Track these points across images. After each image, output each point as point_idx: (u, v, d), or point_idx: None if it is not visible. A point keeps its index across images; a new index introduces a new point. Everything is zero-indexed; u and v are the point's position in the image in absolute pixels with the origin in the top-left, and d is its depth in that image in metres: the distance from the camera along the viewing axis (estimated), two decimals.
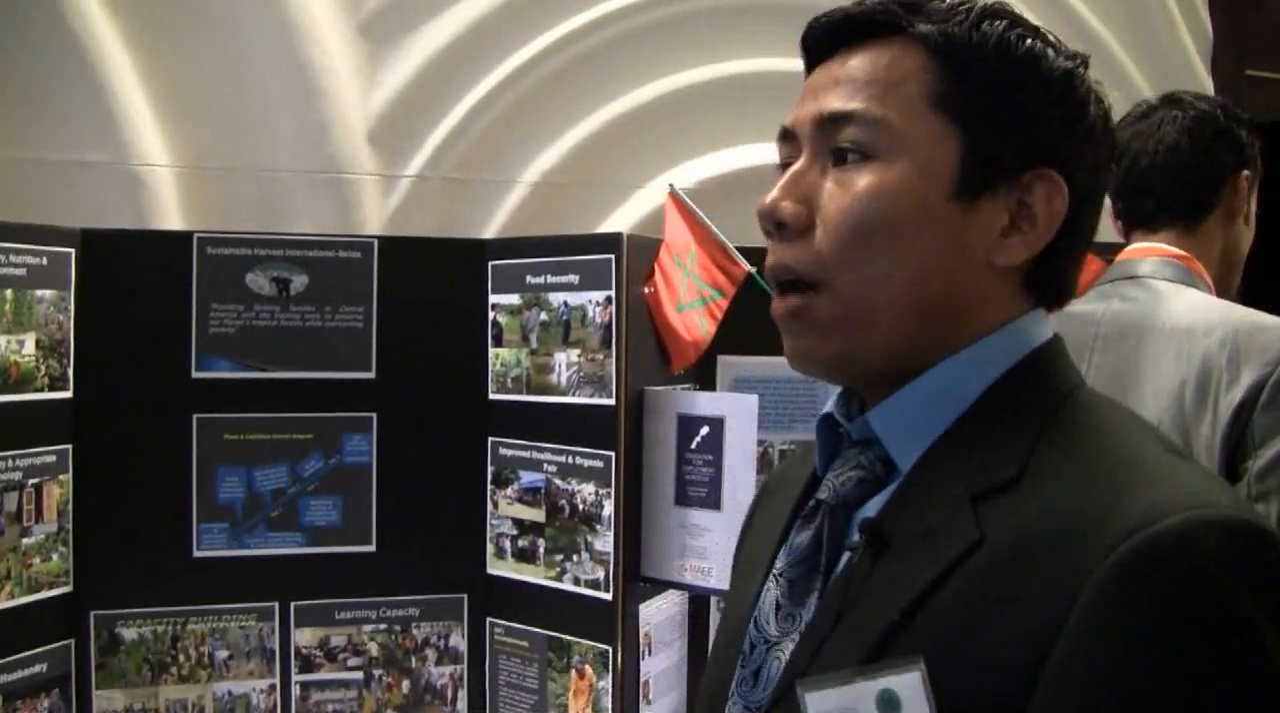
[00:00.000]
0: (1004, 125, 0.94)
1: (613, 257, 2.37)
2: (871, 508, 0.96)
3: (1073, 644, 0.78)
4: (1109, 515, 0.80)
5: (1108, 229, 2.11)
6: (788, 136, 1.01)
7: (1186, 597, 0.77)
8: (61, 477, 2.29)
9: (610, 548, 2.37)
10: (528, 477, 2.49)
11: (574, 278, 2.42)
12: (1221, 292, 1.98)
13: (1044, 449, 0.89)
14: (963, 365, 0.95)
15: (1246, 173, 2.02)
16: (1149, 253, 1.98)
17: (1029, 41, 0.96)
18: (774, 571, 1.02)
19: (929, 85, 0.94)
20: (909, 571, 0.88)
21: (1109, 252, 2.07)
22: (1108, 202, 2.06)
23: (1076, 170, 0.96)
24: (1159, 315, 1.88)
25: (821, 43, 1.01)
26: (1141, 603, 0.77)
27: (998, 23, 0.96)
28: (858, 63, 0.97)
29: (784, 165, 1.01)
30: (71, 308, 2.30)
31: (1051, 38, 0.99)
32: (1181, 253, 1.96)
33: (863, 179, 0.93)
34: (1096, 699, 0.77)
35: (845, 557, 0.95)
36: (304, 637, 2.46)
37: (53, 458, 2.28)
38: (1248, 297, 2.06)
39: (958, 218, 0.94)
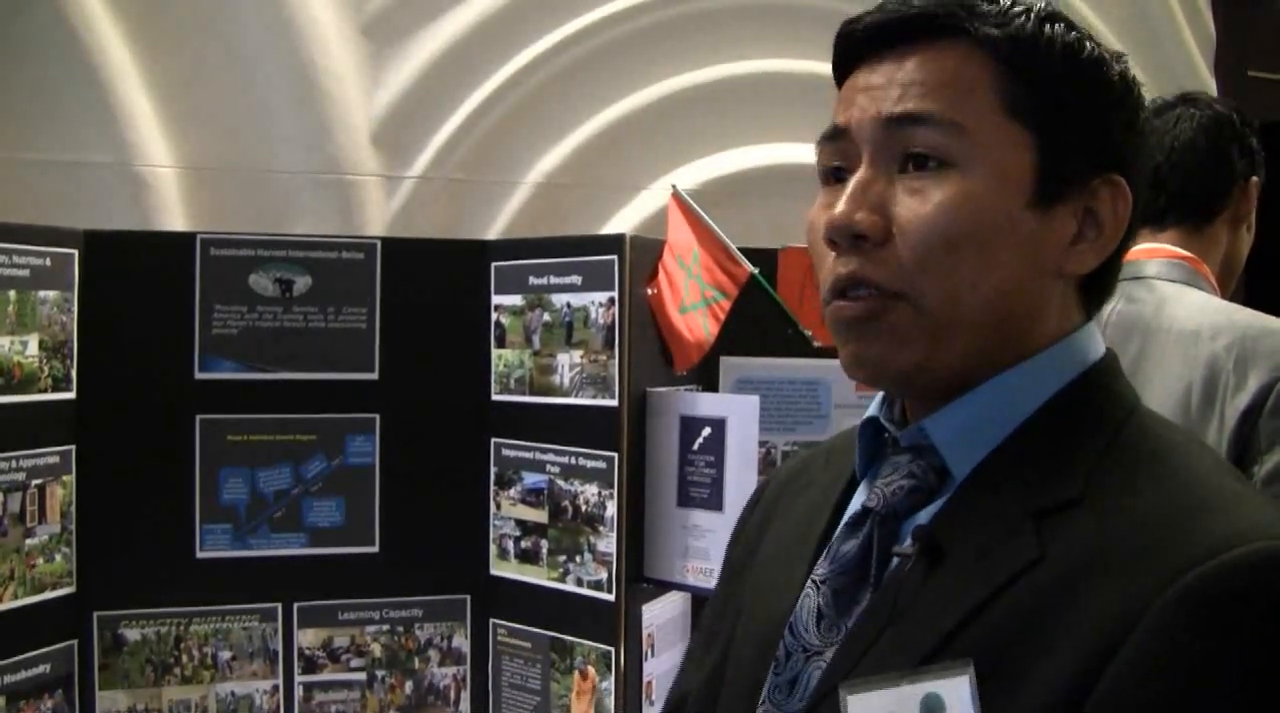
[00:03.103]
0: (1076, 131, 0.93)
1: (615, 258, 2.36)
2: (924, 517, 0.94)
3: (1126, 672, 0.76)
4: (1175, 542, 0.79)
5: None
6: (838, 137, 0.96)
7: (1253, 631, 0.75)
8: (65, 478, 2.29)
9: (613, 549, 2.36)
10: (530, 478, 2.48)
11: (577, 279, 2.41)
12: (1220, 296, 1.98)
13: (1107, 470, 0.87)
14: (1025, 378, 0.93)
15: (1256, 179, 2.02)
16: (1155, 254, 1.97)
17: (1089, 45, 0.94)
18: (814, 577, 0.98)
19: (1000, 91, 0.91)
20: (964, 584, 0.86)
21: None
22: None
23: (1134, 173, 0.96)
24: (1165, 317, 1.87)
25: (865, 43, 0.97)
26: (1205, 634, 0.75)
27: (1058, 26, 0.94)
28: (918, 65, 0.93)
29: (829, 172, 0.97)
30: (75, 309, 2.30)
31: (1098, 39, 0.97)
32: (1188, 255, 1.95)
33: (943, 189, 0.90)
34: None
35: (894, 564, 0.93)
36: (307, 638, 2.46)
37: (56, 459, 2.28)
38: (1252, 299, 2.06)
39: (1036, 227, 0.92)
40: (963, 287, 0.90)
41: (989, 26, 0.92)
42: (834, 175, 0.97)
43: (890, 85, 0.93)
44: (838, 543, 0.98)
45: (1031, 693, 0.79)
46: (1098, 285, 0.98)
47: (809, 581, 0.99)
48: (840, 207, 0.92)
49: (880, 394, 1.03)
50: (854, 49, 0.98)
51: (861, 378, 0.97)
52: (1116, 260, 0.98)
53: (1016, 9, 0.93)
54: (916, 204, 0.90)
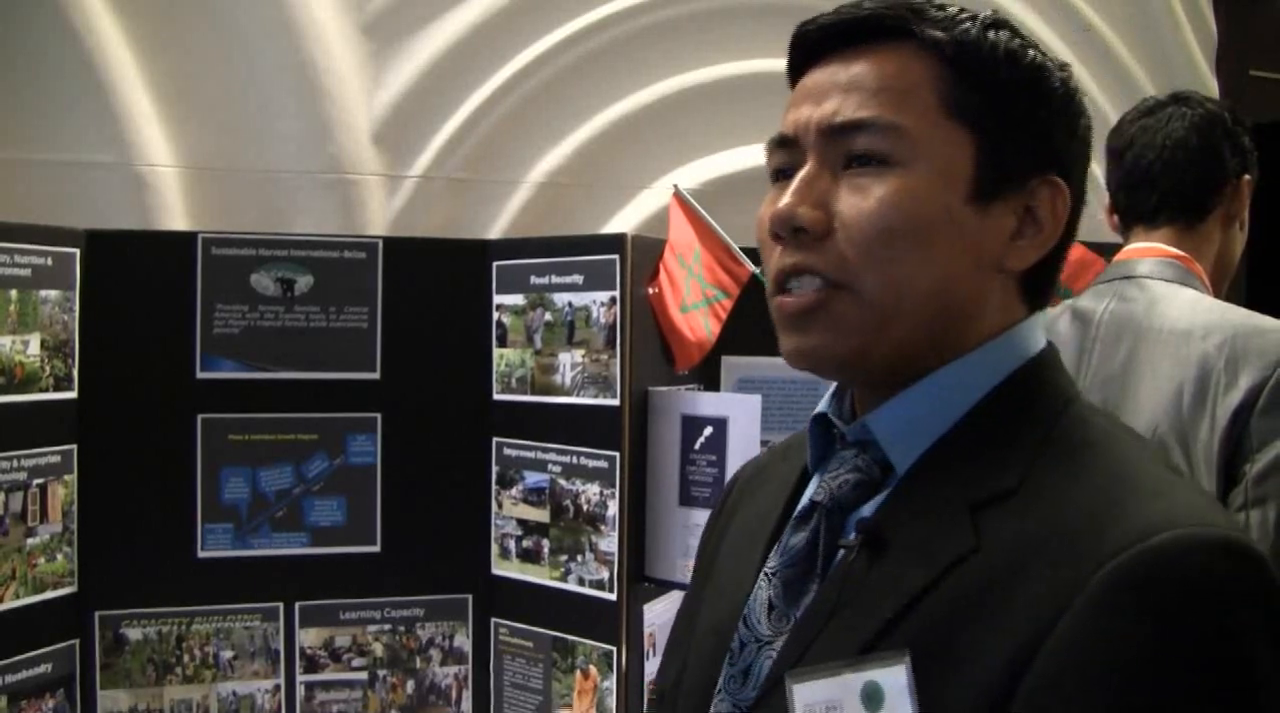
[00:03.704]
0: (1015, 133, 0.95)
1: (617, 257, 2.37)
2: (868, 510, 0.96)
3: (1057, 656, 0.78)
4: (1104, 529, 0.81)
5: (1106, 228, 2.11)
6: (785, 144, 0.99)
7: (1177, 612, 0.77)
8: (66, 477, 2.29)
9: (614, 548, 2.36)
10: (532, 477, 2.49)
11: (578, 278, 2.42)
12: (1214, 295, 1.98)
13: (1043, 462, 0.90)
14: (965, 371, 0.96)
15: (1248, 177, 2.02)
16: (1148, 253, 1.97)
17: (1032, 53, 0.98)
18: (766, 570, 1.01)
19: (942, 92, 0.94)
20: (903, 574, 0.88)
21: (1110, 252, 2.06)
22: (1105, 197, 2.07)
23: (1073, 176, 0.99)
24: (1156, 317, 1.87)
25: (817, 45, 1.00)
26: (1131, 616, 0.78)
27: (1002, 33, 0.97)
28: (864, 68, 0.96)
29: (778, 173, 1.00)
30: (76, 308, 2.30)
31: (1042, 47, 1.00)
32: (1181, 253, 1.95)
33: (883, 186, 0.93)
34: (1079, 710, 0.78)
35: (840, 555, 0.96)
36: (308, 637, 2.46)
37: (57, 458, 2.28)
38: (1251, 298, 2.06)
39: (975, 222, 0.95)
40: (903, 278, 0.93)
41: (935, 30, 0.95)
42: (782, 174, 0.99)
43: (834, 90, 0.96)
44: (788, 536, 1.01)
45: (967, 680, 0.81)
46: (1040, 281, 1.01)
47: (761, 573, 1.02)
48: (784, 200, 0.95)
49: (831, 390, 1.06)
50: (808, 50, 1.01)
51: (803, 367, 0.99)
52: (1058, 257, 1.01)
53: (963, 15, 0.97)
54: (858, 199, 0.93)
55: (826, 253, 0.94)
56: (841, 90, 0.96)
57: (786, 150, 0.99)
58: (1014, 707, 0.79)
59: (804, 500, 1.03)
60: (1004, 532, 0.86)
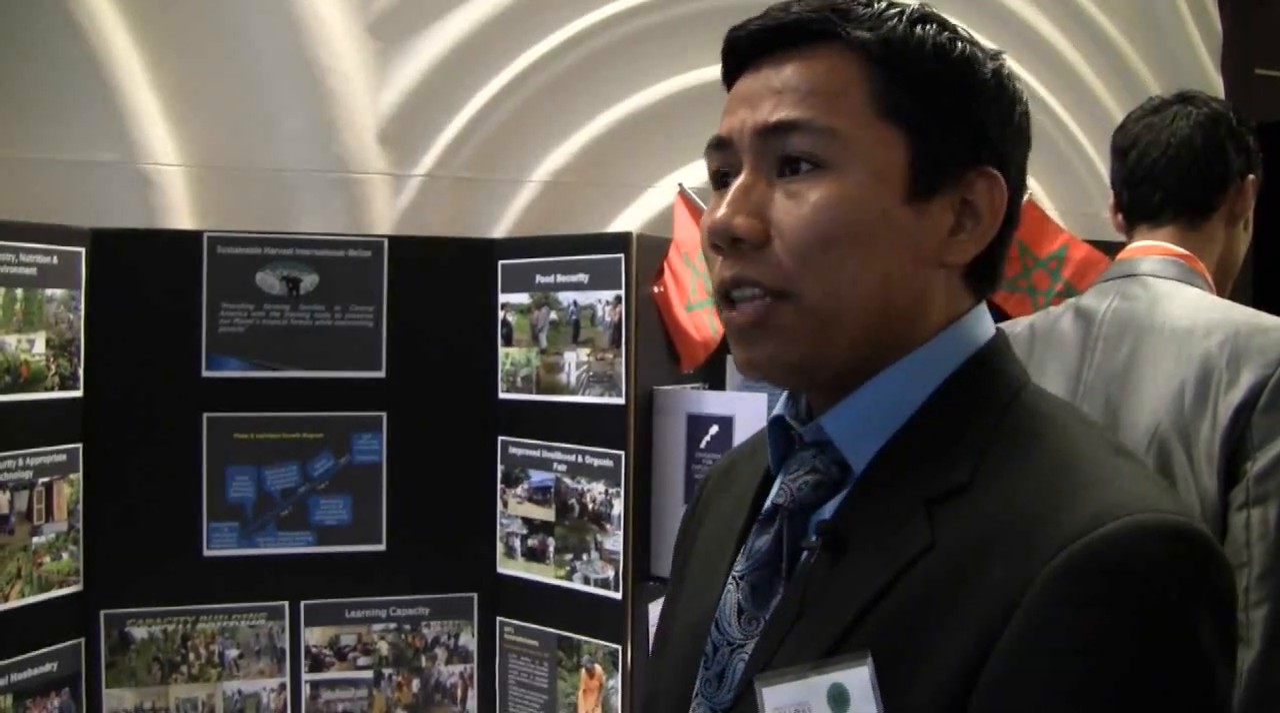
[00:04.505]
0: (948, 128, 0.95)
1: (622, 256, 2.37)
2: (828, 510, 0.97)
3: (1013, 647, 0.79)
4: (1055, 520, 0.82)
5: (1110, 226, 2.11)
6: (722, 146, 0.99)
7: (1126, 601, 0.79)
8: (71, 476, 2.30)
9: (620, 547, 2.36)
10: (537, 476, 2.49)
11: (584, 277, 2.42)
12: (1217, 294, 1.98)
13: (994, 454, 0.90)
14: (914, 367, 0.96)
15: (1253, 177, 2.01)
16: (1151, 252, 1.96)
17: (960, 45, 0.97)
18: (734, 573, 1.02)
19: (871, 93, 0.94)
20: (864, 572, 0.89)
21: (1114, 249, 2.06)
22: (1109, 195, 2.07)
23: (1010, 165, 0.99)
24: (1159, 315, 1.87)
25: (747, 51, 1.00)
26: (1082, 606, 0.79)
27: (929, 27, 0.97)
28: (794, 71, 0.96)
29: (718, 176, 1.00)
30: (82, 307, 2.30)
31: (973, 38, 1.00)
32: (1184, 252, 1.95)
33: (818, 190, 0.93)
34: (1035, 702, 0.79)
35: (804, 557, 0.96)
36: (314, 636, 2.47)
37: (63, 457, 2.28)
38: (1258, 298, 2.06)
39: (912, 221, 0.94)
40: (843, 282, 0.93)
41: (861, 30, 0.95)
42: (721, 181, 1.00)
43: (767, 93, 0.96)
44: (753, 539, 1.02)
45: (928, 676, 0.82)
46: (983, 271, 1.00)
47: (729, 576, 1.02)
48: (720, 211, 0.95)
49: (786, 393, 1.06)
50: (741, 56, 1.01)
51: (756, 377, 1.00)
52: (1000, 248, 1.00)
53: (890, 11, 0.97)
54: (793, 206, 0.93)
55: (765, 263, 0.94)
56: (774, 93, 0.96)
57: (722, 153, 0.99)
58: (973, 700, 0.80)
59: (767, 503, 1.03)
60: (958, 527, 0.87)
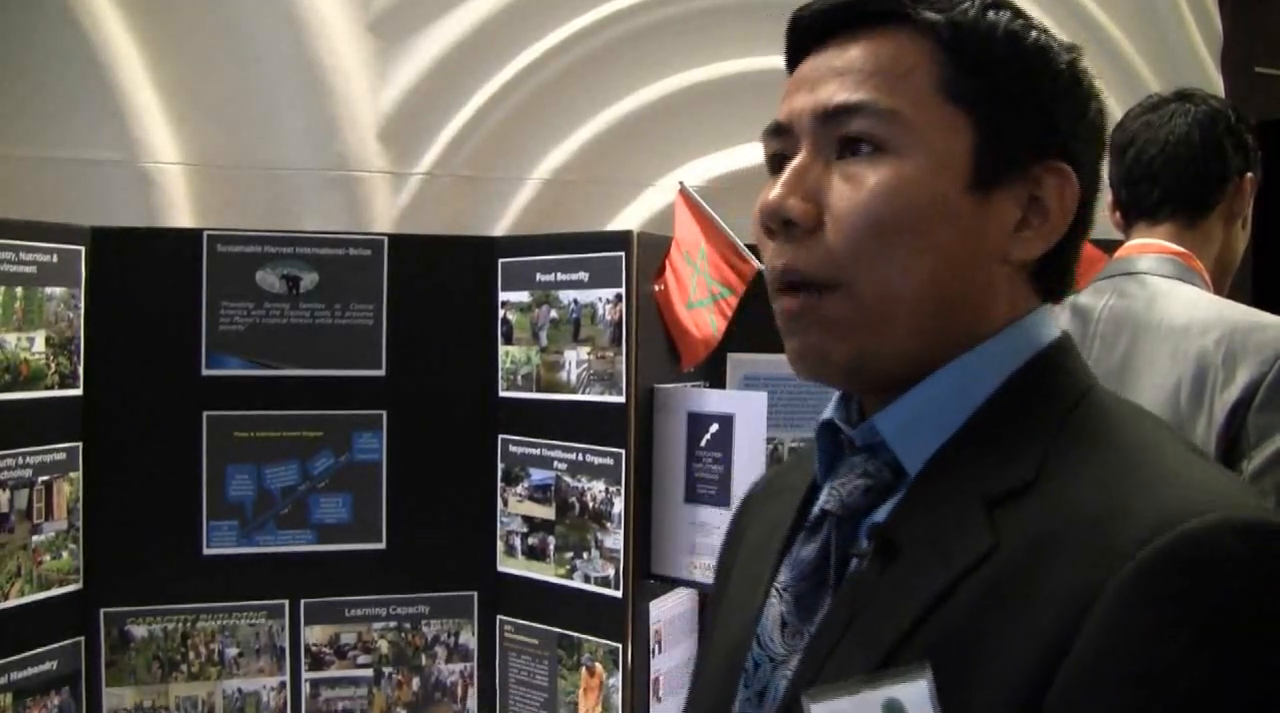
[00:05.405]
0: (1016, 116, 0.91)
1: (623, 254, 2.36)
2: (880, 515, 0.92)
3: (1091, 652, 0.74)
4: (1128, 517, 0.77)
5: (1109, 224, 2.10)
6: (780, 132, 0.96)
7: (1211, 602, 0.73)
8: (71, 474, 2.29)
9: (620, 545, 2.36)
10: (538, 474, 2.48)
11: (584, 275, 2.41)
12: (1214, 293, 1.98)
13: (1060, 451, 0.85)
14: (973, 365, 0.92)
15: (1251, 176, 2.02)
16: (1148, 249, 1.97)
17: (1034, 34, 0.94)
18: (777, 585, 0.97)
19: (938, 75, 0.91)
20: (919, 579, 0.84)
21: (1112, 247, 2.06)
22: (1107, 192, 2.07)
23: (1083, 163, 0.95)
24: (1155, 313, 1.87)
25: (812, 32, 0.96)
26: (1167, 608, 0.73)
27: (1002, 13, 0.93)
28: (859, 53, 0.92)
29: (775, 160, 0.97)
30: (82, 305, 2.30)
31: (1048, 29, 0.96)
32: (1181, 250, 1.95)
33: (876, 174, 0.89)
34: (1116, 709, 0.73)
35: (853, 564, 0.91)
36: (314, 634, 2.46)
37: (63, 455, 2.28)
38: (1257, 297, 2.06)
39: (974, 211, 0.91)
40: (894, 273, 0.89)
41: (931, 12, 0.92)
42: (778, 162, 0.96)
43: (829, 75, 0.93)
44: (798, 548, 0.97)
45: (993, 687, 0.77)
46: (1052, 272, 0.96)
47: (772, 588, 0.98)
48: (774, 192, 0.92)
49: (836, 396, 1.02)
50: (804, 38, 0.97)
51: (805, 373, 0.96)
52: (1070, 248, 0.96)
53: None
54: (849, 190, 0.90)
55: (815, 249, 0.91)
56: (836, 75, 0.92)
57: (781, 138, 0.96)
58: (1046, 708, 0.75)
59: (814, 510, 0.98)
60: (1021, 528, 0.82)
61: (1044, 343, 0.94)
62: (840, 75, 0.92)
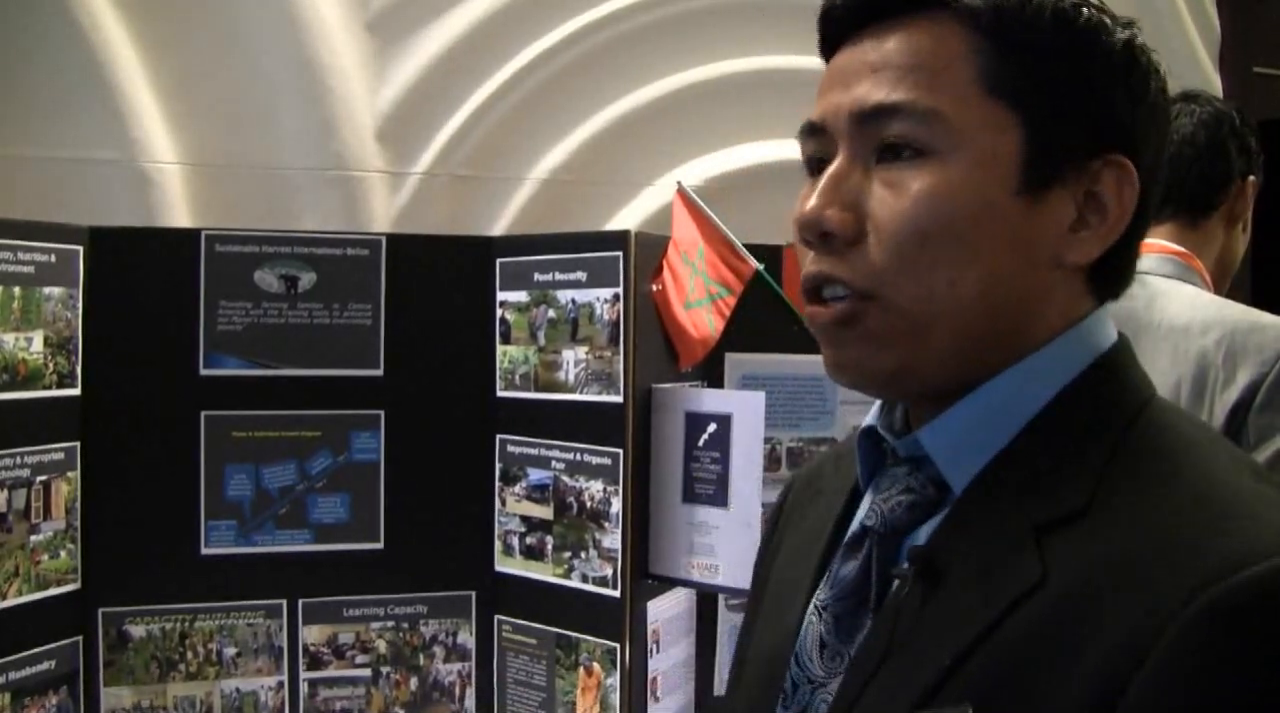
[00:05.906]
0: (1068, 109, 0.85)
1: (621, 254, 2.36)
2: (923, 535, 0.88)
3: (1150, 695, 0.69)
4: (1192, 556, 0.72)
5: None
6: (815, 132, 0.90)
7: (1275, 656, 0.69)
8: (69, 474, 2.29)
9: (618, 545, 2.36)
10: (536, 474, 2.48)
11: (582, 275, 2.41)
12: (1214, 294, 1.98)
13: (1116, 475, 0.80)
14: (1026, 376, 0.86)
15: (1253, 178, 2.02)
16: (1149, 249, 1.97)
17: (1086, 11, 0.85)
18: (816, 602, 0.93)
19: (981, 68, 0.84)
20: (963, 610, 0.80)
21: None
22: None
23: (1143, 150, 0.88)
24: (1156, 313, 1.87)
25: (845, 22, 0.91)
26: (1231, 659, 0.69)
27: None
28: (895, 45, 0.86)
29: (813, 162, 0.91)
30: (79, 305, 2.30)
31: (1102, 3, 0.88)
32: (1182, 250, 1.96)
33: (919, 180, 0.84)
34: None
35: (894, 586, 0.87)
36: (312, 634, 2.46)
37: (61, 455, 2.28)
38: (1256, 297, 2.06)
39: (1025, 215, 0.85)
40: (939, 284, 0.84)
41: None
42: (817, 168, 0.91)
43: (864, 71, 0.87)
44: (838, 565, 0.93)
45: None
46: (1108, 271, 0.90)
47: (811, 605, 0.94)
48: (810, 203, 0.87)
49: (879, 401, 0.97)
50: (836, 29, 0.92)
51: (845, 383, 0.92)
52: (1129, 245, 0.90)
53: None
54: (891, 198, 0.85)
55: (856, 261, 0.86)
56: (871, 71, 0.86)
57: (817, 139, 0.91)
58: None
59: (855, 524, 0.95)
60: (1074, 559, 0.76)
61: (1100, 350, 0.90)
62: (876, 71, 0.86)
